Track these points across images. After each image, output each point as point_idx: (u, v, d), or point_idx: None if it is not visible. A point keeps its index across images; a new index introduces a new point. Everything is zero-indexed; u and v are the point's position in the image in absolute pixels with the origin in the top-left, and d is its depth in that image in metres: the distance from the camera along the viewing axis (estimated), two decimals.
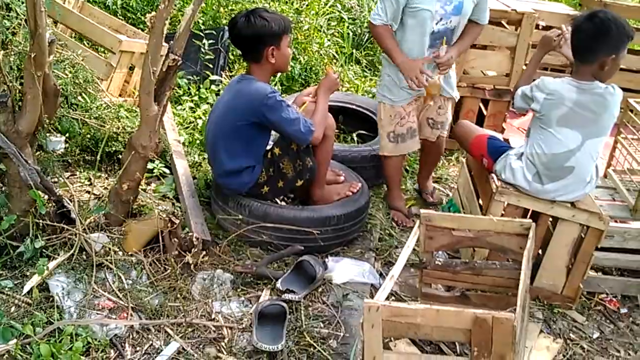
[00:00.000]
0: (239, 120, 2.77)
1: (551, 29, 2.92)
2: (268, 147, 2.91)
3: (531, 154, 2.69)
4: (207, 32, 4.37)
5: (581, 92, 2.55)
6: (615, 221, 3.07)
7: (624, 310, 2.86)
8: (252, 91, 2.75)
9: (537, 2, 5.42)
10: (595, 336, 2.65)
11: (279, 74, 4.43)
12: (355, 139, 3.96)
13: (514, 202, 2.76)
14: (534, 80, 2.72)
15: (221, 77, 4.25)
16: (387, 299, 2.60)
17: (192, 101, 4.05)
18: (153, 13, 2.62)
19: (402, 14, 2.96)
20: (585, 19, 2.58)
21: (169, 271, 2.55)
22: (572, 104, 2.56)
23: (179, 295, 2.47)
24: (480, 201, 3.04)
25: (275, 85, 4.45)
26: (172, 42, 2.69)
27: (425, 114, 3.31)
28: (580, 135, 2.57)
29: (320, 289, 2.60)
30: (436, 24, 2.93)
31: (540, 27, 4.48)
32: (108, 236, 2.63)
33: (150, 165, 3.12)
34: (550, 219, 2.77)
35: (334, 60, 4.91)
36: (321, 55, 4.81)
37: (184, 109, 3.95)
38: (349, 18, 5.35)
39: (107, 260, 2.48)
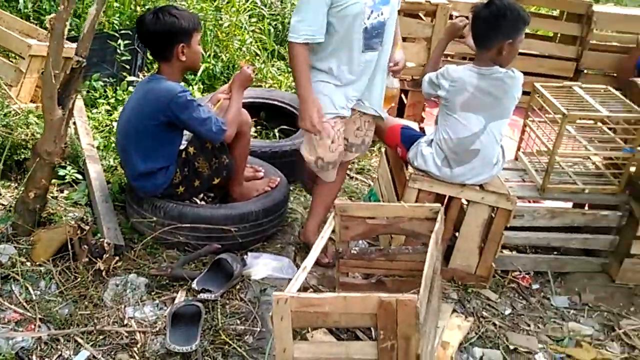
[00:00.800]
0: (149, 120, 2.72)
1: (457, 17, 3.01)
2: (182, 147, 2.88)
3: (439, 140, 2.76)
4: (123, 32, 4.27)
5: (481, 77, 2.64)
6: (529, 201, 3.20)
7: (535, 286, 2.99)
8: (162, 91, 2.71)
9: None
10: (507, 312, 2.75)
11: (198, 74, 4.39)
12: (277, 134, 3.97)
13: (427, 188, 2.83)
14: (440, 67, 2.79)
15: (139, 77, 4.16)
16: (306, 291, 2.65)
17: (108, 104, 3.96)
18: (53, 15, 2.55)
19: (328, 21, 2.54)
20: (482, 6, 2.67)
21: (79, 279, 2.49)
22: (474, 89, 2.64)
23: (89, 303, 2.41)
24: (398, 189, 3.10)
25: (196, 84, 4.40)
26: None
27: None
28: (483, 118, 2.66)
29: (238, 286, 2.60)
30: (367, 18, 2.55)
31: (456, 17, 4.58)
32: (15, 247, 2.55)
33: (61, 172, 3.03)
34: (466, 203, 2.86)
35: (257, 57, 4.89)
36: (243, 52, 4.78)
37: (100, 112, 3.86)
38: (269, 14, 5.34)
39: (13, 272, 2.41)
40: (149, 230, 2.79)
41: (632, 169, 3.00)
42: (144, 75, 4.20)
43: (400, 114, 4.42)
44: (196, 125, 2.71)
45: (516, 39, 2.63)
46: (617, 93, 3.17)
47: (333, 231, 2.46)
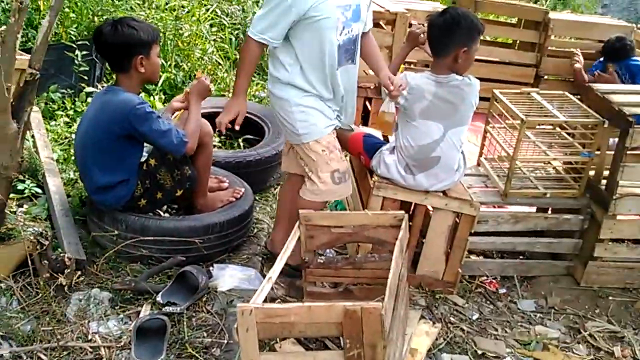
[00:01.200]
0: (108, 133, 2.67)
1: (416, 25, 3.03)
2: (143, 159, 2.83)
3: (401, 147, 2.78)
4: (80, 43, 4.18)
5: (439, 85, 2.66)
6: (494, 206, 3.24)
7: (502, 291, 3.02)
8: (120, 103, 2.65)
9: (414, 1, 5.63)
10: (474, 317, 2.77)
11: (159, 84, 4.33)
12: (242, 144, 3.93)
13: (391, 195, 2.83)
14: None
15: (97, 88, 4.09)
16: (274, 302, 2.62)
17: (67, 116, 3.88)
18: (4, 27, 2.49)
19: (298, 29, 2.45)
20: (437, 15, 2.71)
21: (41, 295, 2.43)
22: (432, 97, 2.67)
23: (52, 319, 2.35)
24: (363, 197, 3.10)
25: (157, 94, 4.34)
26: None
27: None
28: (442, 126, 2.68)
29: (204, 299, 2.55)
30: (340, 34, 2.49)
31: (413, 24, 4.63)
32: None
33: (20, 186, 2.95)
34: (432, 209, 2.88)
35: (219, 66, 4.85)
36: (204, 61, 4.74)
37: (59, 124, 3.77)
38: (230, 23, 5.31)
39: None
40: (111, 244, 2.73)
41: (591, 172, 3.07)
42: (103, 86, 4.13)
43: (365, 122, 4.44)
44: (156, 138, 2.66)
45: (471, 47, 2.66)
46: (574, 98, 3.24)
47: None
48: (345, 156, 3.51)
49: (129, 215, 2.74)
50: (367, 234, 2.55)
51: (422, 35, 2.84)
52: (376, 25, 4.35)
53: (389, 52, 4.24)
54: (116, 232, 2.72)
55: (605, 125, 2.96)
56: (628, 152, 2.87)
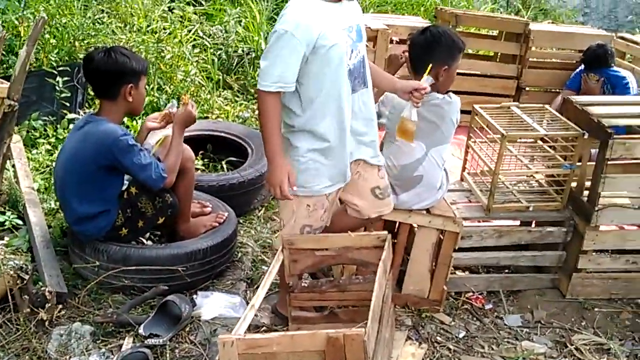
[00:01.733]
0: (89, 164, 2.66)
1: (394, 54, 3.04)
2: (124, 187, 2.81)
3: (384, 167, 2.77)
4: (61, 69, 4.17)
5: (420, 103, 2.67)
6: (479, 221, 3.24)
7: (488, 306, 3.01)
8: (102, 133, 2.65)
9: (395, 17, 5.67)
10: (461, 335, 2.76)
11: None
12: (225, 166, 3.92)
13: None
14: None
15: (80, 115, 4.07)
16: (258, 330, 2.60)
17: (49, 143, 3.86)
18: None
19: (308, 65, 2.22)
20: (418, 33, 2.72)
21: (21, 331, 2.40)
22: None
23: (33, 356, 2.33)
24: None
25: (140, 118, 4.32)
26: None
27: (366, 184, 2.56)
28: (424, 145, 2.68)
29: (187, 328, 2.53)
30: (350, 58, 2.29)
31: (398, 42, 4.65)
32: None
33: (0, 218, 2.92)
34: (416, 227, 2.87)
35: (202, 87, 4.85)
36: (188, 83, 4.74)
37: (40, 153, 3.75)
38: (213, 44, 5.32)
39: None
40: (93, 275, 2.71)
41: (573, 184, 3.08)
42: (85, 112, 4.11)
43: None
44: (136, 171, 2.66)
45: (452, 65, 2.68)
46: (554, 111, 3.26)
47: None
48: None
49: (111, 245, 2.72)
50: (351, 255, 2.55)
51: (402, 59, 2.86)
52: None
53: None
54: (98, 263, 2.70)
55: (585, 137, 2.97)
56: (608, 164, 2.88)
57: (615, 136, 2.83)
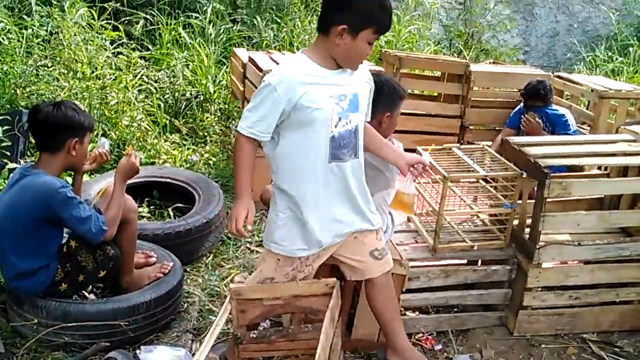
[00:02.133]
0: (27, 217, 2.58)
1: None
2: (63, 240, 2.73)
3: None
4: (2, 118, 4.07)
5: (364, 149, 2.70)
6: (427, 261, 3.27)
7: (438, 347, 3.01)
8: (41, 186, 2.58)
9: None
10: None
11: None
12: (172, 213, 3.87)
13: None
14: None
15: (20, 164, 3.95)
16: None
17: None
18: None
19: (287, 123, 2.25)
20: None
21: None
22: None
23: None
24: None
25: None
26: None
27: (365, 248, 2.56)
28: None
29: None
30: (335, 126, 2.29)
31: None
32: None
33: None
34: None
35: (148, 133, 4.80)
36: (133, 129, 4.68)
37: None
38: (159, 87, 5.30)
39: None
40: (32, 333, 2.61)
41: (516, 222, 3.16)
42: (26, 161, 4.00)
43: None
44: (75, 224, 2.61)
45: (394, 112, 2.74)
46: (492, 151, 3.35)
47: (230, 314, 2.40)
48: None
49: (50, 301, 2.62)
50: (300, 303, 2.53)
51: None
52: None
53: None
54: (36, 320, 2.60)
55: (524, 177, 3.07)
56: (547, 202, 2.97)
57: (552, 175, 2.93)
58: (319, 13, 2.32)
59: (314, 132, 2.26)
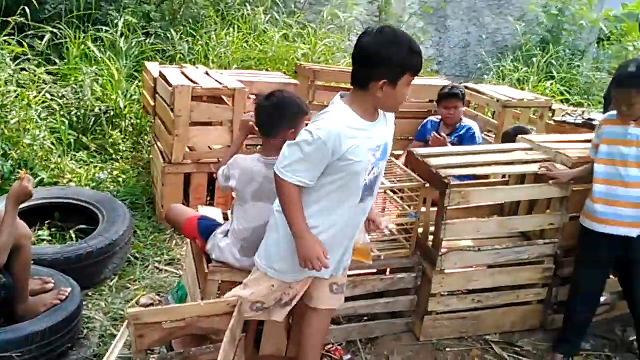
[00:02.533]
0: None
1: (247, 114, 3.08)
2: None
3: (234, 231, 2.76)
4: None
5: (269, 167, 2.69)
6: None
7: (347, 357, 3.04)
8: None
9: (257, 73, 5.78)
10: None
11: None
12: (74, 235, 3.72)
13: (228, 278, 2.79)
14: None
15: None
16: None
17: None
18: None
19: (328, 169, 2.34)
20: (264, 98, 2.77)
21: None
22: (262, 179, 2.69)
23: None
24: (200, 282, 3.03)
25: None
26: None
27: (327, 280, 2.63)
28: (272, 205, 2.71)
29: None
30: (368, 174, 2.41)
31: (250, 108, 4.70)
32: None
33: None
34: None
35: (53, 151, 4.61)
36: (36, 148, 4.48)
37: None
38: (65, 105, 5.11)
39: None
40: None
41: (420, 230, 3.24)
42: None
43: (212, 197, 4.40)
44: None
45: (297, 129, 2.74)
46: (399, 163, 3.43)
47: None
48: None
49: None
50: (201, 325, 2.48)
51: (251, 123, 2.90)
52: (219, 99, 4.42)
53: (230, 127, 4.29)
54: None
55: (427, 187, 3.15)
56: (449, 210, 3.07)
57: (452, 185, 3.03)
58: (352, 70, 2.34)
59: (351, 180, 2.37)
